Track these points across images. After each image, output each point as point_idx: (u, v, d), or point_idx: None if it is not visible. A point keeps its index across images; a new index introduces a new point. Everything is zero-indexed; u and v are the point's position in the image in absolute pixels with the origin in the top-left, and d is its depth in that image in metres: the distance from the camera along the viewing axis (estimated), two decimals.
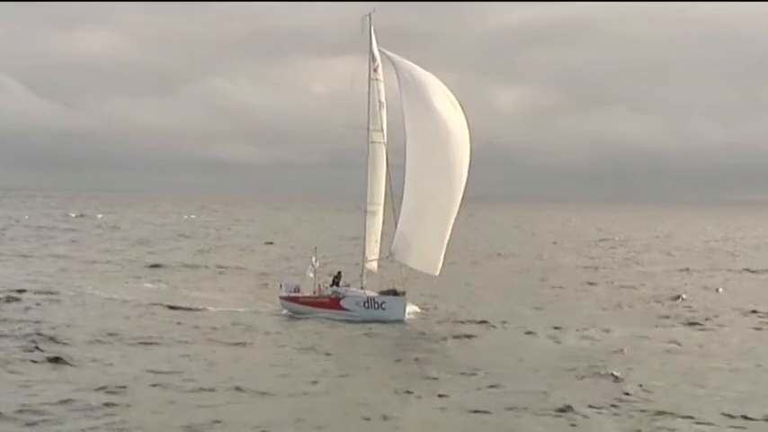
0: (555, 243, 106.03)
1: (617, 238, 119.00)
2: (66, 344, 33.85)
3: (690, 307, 48.13)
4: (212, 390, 27.57)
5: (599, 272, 68.53)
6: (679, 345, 36.74)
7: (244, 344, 35.61)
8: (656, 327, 41.41)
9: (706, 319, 43.66)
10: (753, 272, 71.09)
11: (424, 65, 41.76)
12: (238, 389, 27.69)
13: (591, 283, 59.49)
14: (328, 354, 33.78)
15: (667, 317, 44.60)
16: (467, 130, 40.83)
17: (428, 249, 40.44)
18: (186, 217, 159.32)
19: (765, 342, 38.22)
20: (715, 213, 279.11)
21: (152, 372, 29.90)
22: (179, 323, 40.17)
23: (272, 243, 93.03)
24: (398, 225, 40.33)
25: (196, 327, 39.23)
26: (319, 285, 43.20)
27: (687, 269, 70.64)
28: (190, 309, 44.09)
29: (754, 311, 46.11)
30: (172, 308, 44.27)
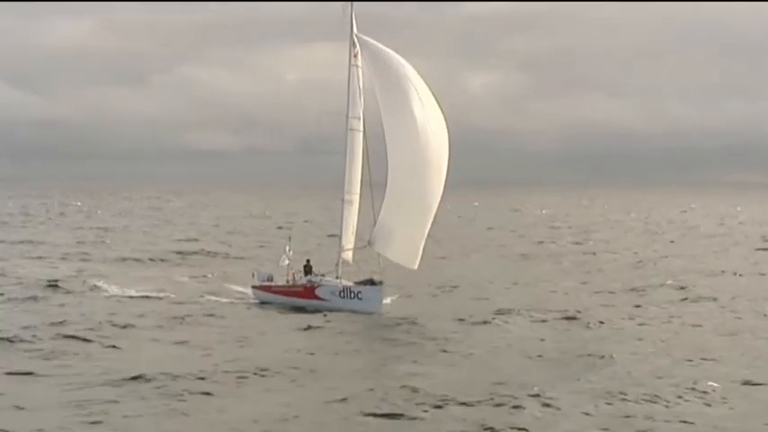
0: (546, 226, 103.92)
1: (592, 222, 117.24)
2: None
3: (663, 287, 47.99)
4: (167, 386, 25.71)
5: (573, 257, 66.78)
6: (652, 324, 36.57)
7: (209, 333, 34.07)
8: (631, 307, 40.88)
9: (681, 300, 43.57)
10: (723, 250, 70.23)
11: (399, 50, 40.07)
12: (201, 378, 26.05)
13: (566, 271, 57.78)
14: (301, 348, 31.92)
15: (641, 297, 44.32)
16: (444, 123, 39.18)
17: (408, 242, 38.83)
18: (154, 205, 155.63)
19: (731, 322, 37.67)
20: (690, 195, 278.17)
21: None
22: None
23: (233, 233, 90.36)
24: (380, 215, 38.70)
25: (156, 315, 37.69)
26: (293, 274, 41.59)
27: (661, 253, 69.08)
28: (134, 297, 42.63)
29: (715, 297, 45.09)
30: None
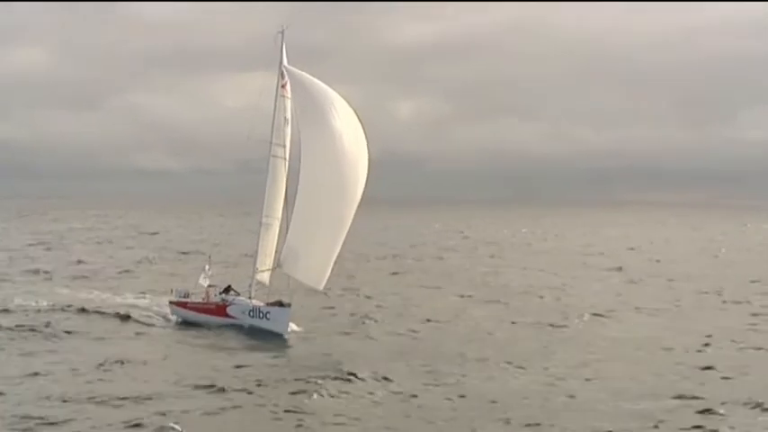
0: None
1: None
2: None
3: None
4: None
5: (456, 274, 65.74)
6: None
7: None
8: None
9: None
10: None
11: (328, 78, 38.93)
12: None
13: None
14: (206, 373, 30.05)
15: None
16: (365, 152, 37.92)
17: (315, 264, 37.58)
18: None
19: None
20: (601, 213, 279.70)
21: None
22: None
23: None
24: (287, 237, 37.47)
25: None
26: (208, 292, 40.18)
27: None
28: None
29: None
30: None
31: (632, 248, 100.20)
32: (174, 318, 40.65)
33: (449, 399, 26.79)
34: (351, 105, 38.32)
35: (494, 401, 26.52)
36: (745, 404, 26.51)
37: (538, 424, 24.06)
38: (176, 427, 22.30)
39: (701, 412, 25.63)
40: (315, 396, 26.30)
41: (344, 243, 37.96)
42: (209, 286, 40.47)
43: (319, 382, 27.88)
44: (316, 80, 38.68)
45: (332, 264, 37.75)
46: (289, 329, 37.22)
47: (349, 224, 37.59)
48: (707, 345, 36.76)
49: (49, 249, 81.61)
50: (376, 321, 41.54)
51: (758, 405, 26.28)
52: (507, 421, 24.34)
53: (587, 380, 29.80)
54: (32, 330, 36.22)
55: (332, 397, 26.52)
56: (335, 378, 28.63)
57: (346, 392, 27.07)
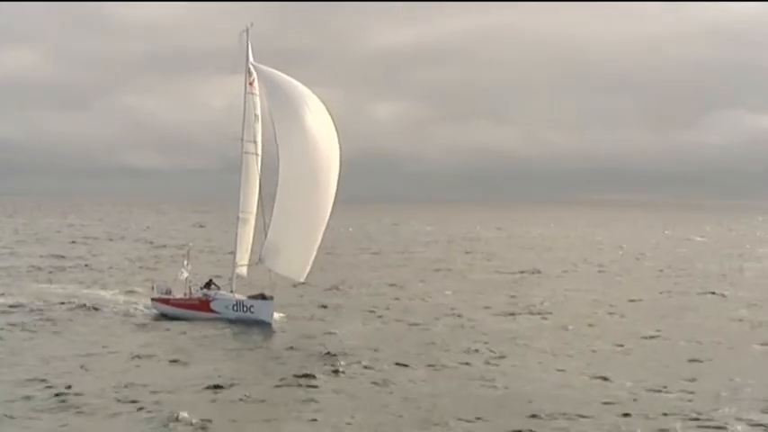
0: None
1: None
2: None
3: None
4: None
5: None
6: None
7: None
8: None
9: None
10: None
11: (309, 81, 39.32)
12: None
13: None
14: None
15: None
16: (336, 143, 38.49)
17: (296, 256, 38.11)
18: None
19: None
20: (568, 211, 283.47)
21: None
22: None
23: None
24: (268, 232, 37.77)
25: None
26: (190, 288, 40.35)
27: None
28: None
29: None
30: None
31: (597, 244, 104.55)
32: (155, 312, 40.56)
33: (424, 381, 27.39)
34: (322, 101, 38.75)
35: (470, 379, 27.42)
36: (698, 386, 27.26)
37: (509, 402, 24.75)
38: (179, 414, 22.46)
39: (669, 395, 26.30)
40: (302, 385, 26.67)
41: (325, 239, 38.41)
42: (188, 280, 40.54)
43: (305, 371, 28.24)
44: (284, 76, 39.14)
45: (313, 256, 38.32)
46: (273, 321, 37.57)
47: (327, 216, 38.14)
48: (658, 333, 37.38)
49: (33, 245, 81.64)
50: (358, 312, 42.08)
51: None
52: (482, 399, 25.08)
53: (551, 366, 30.32)
54: (12, 325, 36.23)
55: (318, 385, 26.85)
56: (320, 367, 29.03)
57: (330, 380, 27.51)
